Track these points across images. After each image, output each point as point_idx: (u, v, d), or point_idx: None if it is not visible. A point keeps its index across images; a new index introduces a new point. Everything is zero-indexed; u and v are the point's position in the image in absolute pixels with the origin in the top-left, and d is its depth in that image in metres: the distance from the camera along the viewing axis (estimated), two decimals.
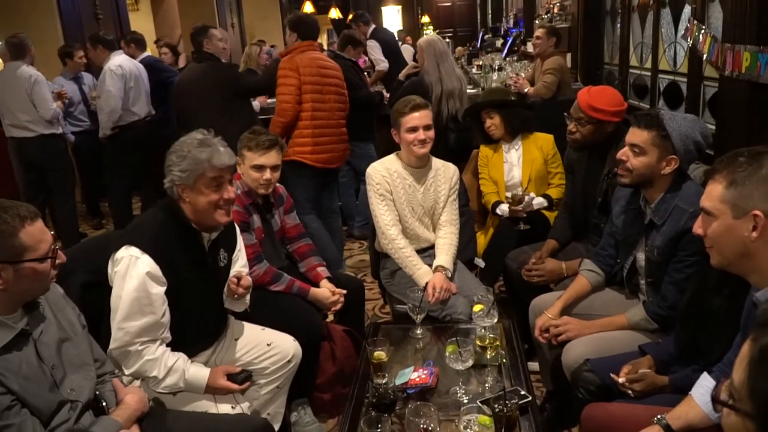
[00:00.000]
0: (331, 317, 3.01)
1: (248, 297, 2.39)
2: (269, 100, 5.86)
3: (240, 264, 2.39)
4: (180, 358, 2.09)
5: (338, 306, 2.78)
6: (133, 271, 1.99)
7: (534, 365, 2.76)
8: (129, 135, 5.08)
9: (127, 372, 2.03)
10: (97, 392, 1.82)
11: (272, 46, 9.87)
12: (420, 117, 2.76)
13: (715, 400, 0.98)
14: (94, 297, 2.12)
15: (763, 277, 1.43)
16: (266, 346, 2.36)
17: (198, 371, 2.11)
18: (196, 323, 2.20)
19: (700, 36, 3.19)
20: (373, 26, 6.75)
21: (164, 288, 2.04)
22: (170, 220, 2.12)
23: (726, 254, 1.49)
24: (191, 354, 2.19)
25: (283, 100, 3.92)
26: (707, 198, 1.50)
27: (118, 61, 5.04)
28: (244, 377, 2.18)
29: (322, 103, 4.02)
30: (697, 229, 1.56)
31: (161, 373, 2.03)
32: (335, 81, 4.15)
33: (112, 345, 2.01)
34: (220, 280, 2.25)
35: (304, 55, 3.98)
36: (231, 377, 2.15)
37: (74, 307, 1.85)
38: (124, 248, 2.02)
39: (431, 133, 2.79)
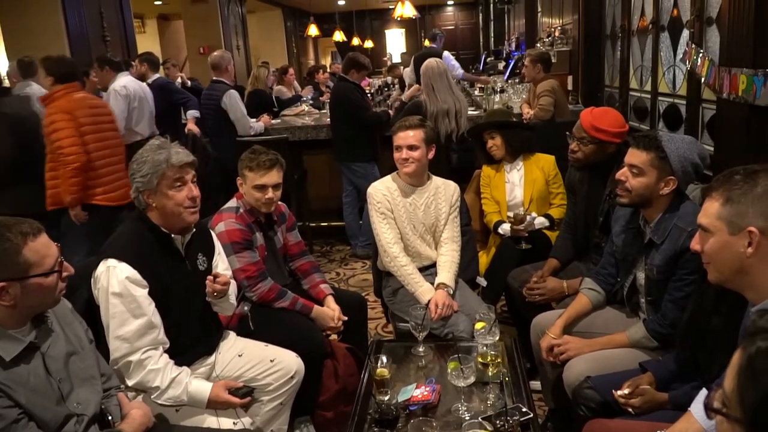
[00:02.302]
0: (334, 335, 3.02)
1: (233, 298, 2.43)
2: (274, 121, 5.95)
3: (222, 268, 2.42)
4: (183, 372, 2.12)
5: (338, 328, 2.80)
6: (113, 279, 2.03)
7: (536, 384, 2.77)
8: (132, 154, 5.13)
9: (129, 383, 2.05)
10: (103, 406, 1.83)
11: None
12: (404, 137, 2.83)
13: (708, 407, 1.00)
14: (98, 313, 2.14)
15: (758, 292, 1.46)
16: (269, 362, 2.37)
17: (201, 384, 2.14)
18: (187, 328, 2.23)
19: (699, 59, 3.24)
20: (432, 46, 7.83)
21: (146, 290, 2.08)
22: (141, 229, 2.18)
23: (722, 270, 1.52)
24: (190, 362, 2.23)
25: (68, 144, 3.70)
26: (704, 215, 1.54)
27: (123, 81, 5.13)
28: (245, 392, 2.21)
29: (104, 141, 3.95)
30: (695, 245, 1.59)
31: (164, 384, 2.06)
32: (109, 117, 4.11)
33: (113, 356, 2.04)
34: (203, 285, 2.27)
35: (71, 97, 3.84)
36: (232, 392, 2.18)
37: (82, 322, 1.88)
38: (101, 264, 2.08)
39: (416, 154, 2.83)
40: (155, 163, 2.11)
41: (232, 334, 2.50)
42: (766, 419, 0.90)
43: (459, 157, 4.56)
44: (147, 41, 13.26)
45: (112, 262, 2.06)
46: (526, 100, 5.49)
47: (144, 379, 2.05)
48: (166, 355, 2.11)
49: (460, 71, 7.49)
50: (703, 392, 1.69)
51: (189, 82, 7.79)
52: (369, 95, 6.74)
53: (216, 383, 2.18)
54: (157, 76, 5.98)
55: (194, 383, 2.13)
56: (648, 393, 1.92)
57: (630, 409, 1.94)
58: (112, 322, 2.03)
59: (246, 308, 2.65)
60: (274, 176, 2.72)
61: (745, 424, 0.93)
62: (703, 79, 3.21)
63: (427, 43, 17.32)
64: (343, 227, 5.46)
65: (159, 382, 2.05)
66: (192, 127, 5.74)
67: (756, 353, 0.93)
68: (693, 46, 3.36)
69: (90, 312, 2.11)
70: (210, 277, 2.25)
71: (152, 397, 2.07)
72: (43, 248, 1.63)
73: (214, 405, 2.14)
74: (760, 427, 0.91)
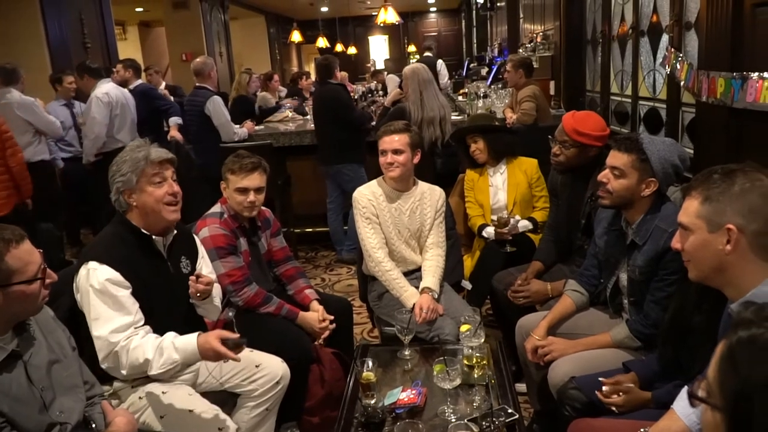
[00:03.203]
0: (320, 340, 3.01)
1: (218, 300, 2.41)
2: (258, 127, 5.94)
3: (206, 272, 2.41)
4: (166, 336, 2.06)
5: (326, 333, 2.79)
6: (94, 281, 2.02)
7: (521, 387, 2.78)
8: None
9: (124, 372, 2.01)
10: (87, 414, 1.81)
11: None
12: (389, 141, 2.84)
13: (692, 395, 1.02)
14: (81, 320, 2.12)
15: (737, 289, 1.48)
16: (254, 368, 2.36)
17: (187, 338, 2.04)
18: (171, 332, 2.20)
19: (678, 63, 3.29)
20: (428, 55, 9.06)
21: (129, 290, 2.06)
22: (122, 231, 2.17)
23: (702, 268, 1.55)
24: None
25: None
26: (684, 214, 1.56)
27: (105, 89, 5.10)
28: (236, 343, 2.01)
29: None
30: (675, 243, 1.62)
31: (151, 353, 2.00)
32: None
33: (101, 355, 2.00)
34: (187, 288, 2.24)
35: None
36: (224, 342, 2.01)
37: (64, 329, 1.85)
38: (82, 268, 2.06)
39: (401, 158, 2.83)
40: (134, 161, 2.11)
41: None
42: (745, 407, 0.92)
43: (444, 163, 4.58)
44: (128, 48, 13.19)
45: (92, 264, 2.05)
46: (508, 104, 5.54)
47: (133, 359, 1.99)
48: (144, 329, 2.07)
49: (446, 80, 8.10)
50: (685, 390, 1.70)
51: (171, 98, 7.70)
52: (353, 101, 6.76)
53: (204, 333, 2.07)
54: (139, 82, 5.96)
55: (180, 338, 2.05)
56: (632, 392, 1.95)
57: (614, 408, 1.96)
58: (94, 323, 2.01)
59: (231, 314, 2.64)
60: (256, 179, 2.71)
61: (725, 411, 0.95)
62: (682, 83, 3.25)
63: (411, 49, 17.52)
64: (327, 233, 5.45)
65: (147, 354, 2.00)
66: (175, 133, 5.72)
67: (737, 343, 0.96)
68: (672, 50, 3.40)
69: (73, 319, 2.09)
70: (192, 278, 2.23)
71: (151, 373, 2.01)
72: (26, 255, 1.62)
73: (205, 353, 2.01)
74: (739, 415, 0.93)
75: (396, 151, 2.83)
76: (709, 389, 0.99)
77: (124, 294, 2.05)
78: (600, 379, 2.00)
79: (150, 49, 14.99)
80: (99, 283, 2.02)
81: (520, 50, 7.92)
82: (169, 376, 2.09)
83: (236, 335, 2.06)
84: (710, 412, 0.99)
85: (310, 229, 5.96)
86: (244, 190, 2.69)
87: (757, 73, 2.42)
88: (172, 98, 6.54)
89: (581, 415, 2.02)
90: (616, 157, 2.20)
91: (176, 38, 11.51)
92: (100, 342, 2.01)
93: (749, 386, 0.92)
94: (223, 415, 2.16)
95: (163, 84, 7.69)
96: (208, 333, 2.07)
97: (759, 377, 0.92)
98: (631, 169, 2.17)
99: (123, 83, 5.70)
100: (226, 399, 2.37)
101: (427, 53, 9.30)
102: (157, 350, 2.02)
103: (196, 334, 2.05)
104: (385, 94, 8.98)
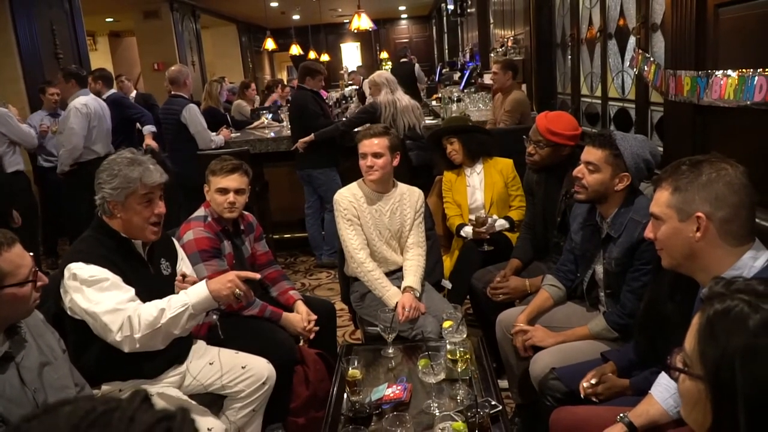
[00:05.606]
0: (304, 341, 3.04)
1: None
2: (233, 135, 5.94)
3: (187, 273, 2.43)
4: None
5: (311, 335, 2.81)
6: (84, 276, 2.02)
7: (503, 383, 2.83)
8: (88, 171, 5.05)
9: (138, 335, 2.01)
10: None
11: (231, 83, 10.01)
12: (369, 144, 2.88)
13: (670, 367, 1.08)
14: (66, 327, 2.12)
15: (708, 275, 1.54)
16: (241, 369, 2.38)
17: (195, 286, 2.15)
18: None
19: (645, 64, 3.38)
20: (404, 60, 9.58)
21: (120, 279, 2.07)
22: (101, 235, 2.18)
23: (675, 255, 1.62)
24: (160, 370, 2.23)
25: None
26: (655, 204, 1.63)
27: (84, 99, 5.07)
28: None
29: None
30: (648, 233, 1.69)
31: (163, 302, 2.04)
32: None
33: (114, 328, 1.99)
34: (168, 290, 2.26)
35: None
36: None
37: (54, 332, 1.86)
38: (65, 271, 2.06)
39: (380, 161, 2.88)
40: (128, 180, 2.10)
41: (201, 343, 2.50)
42: (725, 374, 0.98)
43: (417, 155, 4.70)
44: (99, 59, 13.06)
45: (76, 265, 2.05)
46: (491, 111, 5.57)
47: (146, 316, 2.01)
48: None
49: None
50: (662, 375, 1.77)
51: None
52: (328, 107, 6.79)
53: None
54: (112, 91, 5.92)
55: (189, 288, 2.14)
56: (610, 380, 2.01)
57: (593, 398, 2.02)
58: (97, 306, 2.00)
59: (215, 317, 2.65)
60: (236, 180, 2.74)
61: (706, 380, 1.01)
62: (650, 83, 3.35)
63: (383, 55, 17.60)
64: (305, 238, 5.47)
65: (160, 306, 2.03)
66: (150, 142, 5.69)
67: (714, 315, 1.02)
68: (640, 51, 3.50)
69: (58, 325, 2.08)
70: (179, 277, 2.26)
71: (165, 321, 2.03)
72: (17, 258, 1.63)
73: (217, 288, 2.11)
74: (723, 381, 0.99)
75: (375, 155, 2.87)
76: (688, 361, 1.05)
77: (117, 279, 2.06)
78: (585, 384, 2.05)
79: (121, 59, 14.86)
80: (87, 278, 2.02)
81: (492, 55, 8.03)
82: (181, 328, 2.08)
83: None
84: (690, 382, 1.04)
85: (288, 235, 5.97)
86: (224, 191, 2.73)
87: (721, 71, 2.51)
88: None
89: (562, 405, 2.08)
90: (591, 153, 2.28)
91: (147, 48, 11.44)
92: (110, 315, 2.00)
93: (729, 354, 0.98)
94: (211, 416, 2.18)
95: (134, 92, 7.65)
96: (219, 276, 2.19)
97: (737, 344, 0.98)
98: (605, 164, 2.24)
99: (96, 95, 5.66)
100: (213, 401, 2.38)
101: (403, 60, 9.66)
102: (166, 300, 2.06)
103: (202, 282, 2.14)
104: (362, 99, 9.03)
